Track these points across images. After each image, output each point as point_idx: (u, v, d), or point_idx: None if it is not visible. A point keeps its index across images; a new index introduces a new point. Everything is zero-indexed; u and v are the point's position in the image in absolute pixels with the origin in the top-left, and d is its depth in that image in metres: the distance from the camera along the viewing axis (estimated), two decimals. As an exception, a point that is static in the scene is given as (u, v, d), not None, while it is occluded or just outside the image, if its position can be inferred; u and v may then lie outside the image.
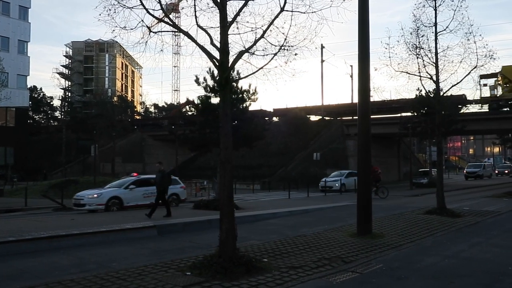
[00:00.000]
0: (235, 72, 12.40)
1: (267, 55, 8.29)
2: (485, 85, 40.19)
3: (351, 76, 55.86)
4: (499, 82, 40.22)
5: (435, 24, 15.40)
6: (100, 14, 7.89)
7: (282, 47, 8.25)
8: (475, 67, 15.26)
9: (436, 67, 15.49)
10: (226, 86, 7.96)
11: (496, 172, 63.03)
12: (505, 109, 39.87)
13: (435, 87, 15.99)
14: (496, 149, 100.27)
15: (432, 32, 15.45)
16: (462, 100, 31.88)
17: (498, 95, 40.42)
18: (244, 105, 19.12)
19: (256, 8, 8.21)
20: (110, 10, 7.84)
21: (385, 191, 24.44)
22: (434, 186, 19.72)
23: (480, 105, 37.99)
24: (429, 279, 7.11)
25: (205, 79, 17.69)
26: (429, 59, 15.48)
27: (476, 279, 7.10)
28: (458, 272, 7.54)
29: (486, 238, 11.02)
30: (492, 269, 7.72)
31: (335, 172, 34.20)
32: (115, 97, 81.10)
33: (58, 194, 21.42)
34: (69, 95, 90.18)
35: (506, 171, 61.33)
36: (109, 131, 49.65)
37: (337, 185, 30.86)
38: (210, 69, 15.65)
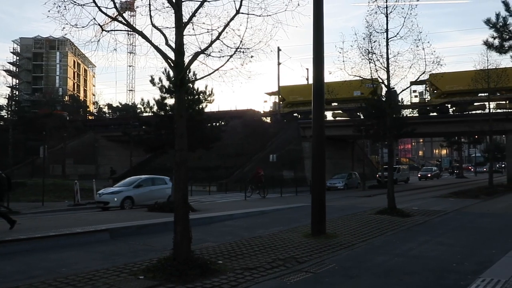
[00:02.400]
0: (191, 73, 12.32)
1: (223, 56, 8.29)
2: (414, 91, 44.80)
3: (307, 79, 56.86)
4: (427, 89, 44.53)
5: (387, 30, 15.95)
6: (49, 11, 7.59)
7: (238, 49, 8.28)
8: (423, 73, 15.93)
9: (387, 72, 16.02)
10: (182, 87, 7.89)
11: (419, 176, 58.06)
12: (433, 114, 43.74)
13: (386, 90, 16.55)
14: (444, 151, 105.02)
15: (384, 38, 16.00)
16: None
17: (426, 101, 44.49)
18: (200, 106, 19.02)
19: (212, 10, 8.22)
20: (60, 6, 7.56)
21: (266, 191, 27.78)
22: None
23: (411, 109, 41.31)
24: (380, 277, 7.35)
25: (160, 80, 17.50)
26: (381, 64, 16.01)
27: (423, 276, 7.40)
28: (407, 270, 7.83)
29: (433, 236, 11.50)
30: (438, 266, 8.07)
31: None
32: (66, 96, 78.38)
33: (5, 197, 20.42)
34: (17, 93, 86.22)
35: (429, 175, 57.64)
36: (59, 131, 47.92)
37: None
38: (165, 69, 15.46)
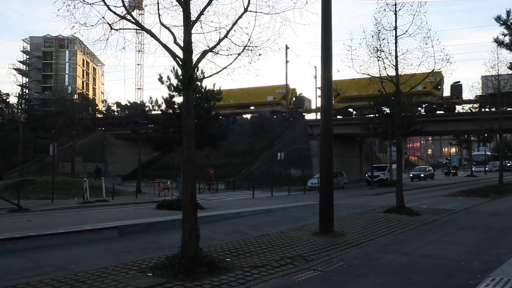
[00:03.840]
0: (199, 71, 12.31)
1: (231, 55, 8.30)
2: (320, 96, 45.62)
3: (315, 77, 56.60)
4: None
5: (395, 28, 15.84)
6: (58, 10, 7.64)
7: (246, 47, 8.28)
8: (432, 71, 15.81)
9: (396, 69, 15.92)
10: (190, 85, 7.91)
11: (411, 176, 52.19)
12: (339, 116, 45.14)
13: (395, 89, 16.44)
14: (453, 150, 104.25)
15: (392, 36, 15.89)
16: None
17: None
18: (208, 104, 19.04)
19: (220, 8, 8.22)
20: (69, 5, 7.60)
21: (215, 188, 30.31)
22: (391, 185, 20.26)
23: None
24: (388, 276, 7.32)
25: (168, 78, 17.54)
26: (390, 61, 15.89)
27: (431, 275, 7.36)
28: (415, 268, 7.79)
29: (442, 235, 11.44)
30: (447, 265, 8.02)
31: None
32: (75, 95, 78.89)
33: (14, 194, 20.62)
34: (27, 92, 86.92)
35: (422, 175, 51.65)
36: (69, 129, 48.25)
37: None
38: (174, 68, 15.51)
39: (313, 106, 51.06)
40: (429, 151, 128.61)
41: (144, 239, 10.83)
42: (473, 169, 66.22)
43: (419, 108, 42.00)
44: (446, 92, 43.54)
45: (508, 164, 77.49)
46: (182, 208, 7.78)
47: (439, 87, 43.10)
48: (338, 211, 13.32)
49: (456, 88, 42.13)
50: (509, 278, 6.76)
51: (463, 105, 42.59)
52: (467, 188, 28.89)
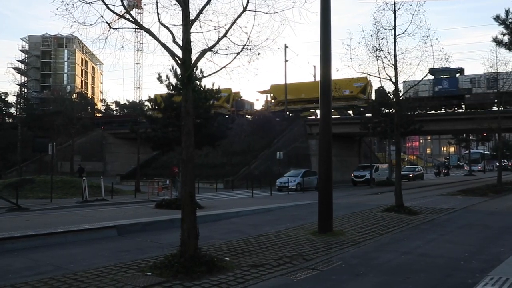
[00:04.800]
0: (198, 71, 12.33)
1: (230, 54, 8.30)
2: (257, 99, 53.41)
3: (314, 77, 56.65)
4: (271, 97, 52.47)
5: (394, 27, 15.84)
6: (57, 9, 7.63)
7: (245, 47, 8.28)
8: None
9: (395, 69, 15.92)
10: (189, 84, 7.90)
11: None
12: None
13: (394, 88, 16.46)
14: (452, 149, 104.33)
15: (392, 35, 15.89)
16: None
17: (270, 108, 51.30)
18: (207, 103, 19.04)
19: (219, 7, 8.24)
20: (68, 4, 7.59)
21: (178, 185, 28.49)
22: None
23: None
24: (386, 275, 7.33)
25: (167, 77, 17.53)
26: (389, 61, 15.90)
27: (430, 274, 7.37)
28: (414, 268, 7.80)
29: (441, 234, 11.46)
30: (445, 264, 8.03)
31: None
32: (74, 94, 78.81)
33: (13, 194, 20.59)
34: (25, 91, 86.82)
35: (411, 175, 48.56)
36: (68, 128, 48.17)
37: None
38: (172, 67, 15.48)
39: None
40: (428, 150, 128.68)
41: (143, 238, 10.83)
42: (465, 168, 65.30)
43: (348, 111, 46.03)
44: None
45: (505, 163, 76.63)
46: (181, 207, 7.78)
47: (365, 91, 45.78)
48: (336, 210, 13.33)
49: (380, 92, 43.71)
50: (508, 277, 6.77)
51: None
52: (465, 187, 28.93)
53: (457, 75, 42.40)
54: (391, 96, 18.16)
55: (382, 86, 19.04)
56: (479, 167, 65.81)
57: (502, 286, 6.38)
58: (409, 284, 6.80)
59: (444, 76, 42.54)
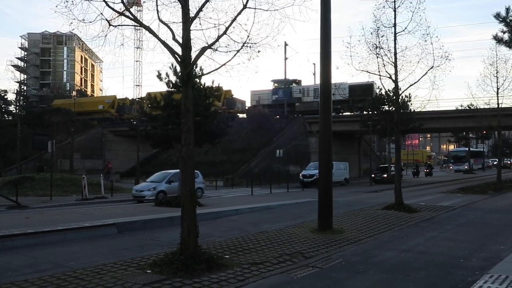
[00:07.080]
0: (198, 68, 12.24)
1: (230, 51, 8.27)
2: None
3: (314, 74, 56.68)
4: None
5: (394, 25, 15.81)
6: (56, 6, 7.61)
7: (245, 44, 8.25)
8: (431, 68, 15.78)
9: (395, 66, 15.89)
10: (188, 82, 7.89)
11: (372, 176, 38.72)
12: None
13: (394, 86, 16.43)
14: (451, 146, 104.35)
15: (392, 33, 15.86)
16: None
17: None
18: (207, 101, 19.02)
19: (219, 4, 8.22)
20: (67, 2, 7.57)
21: (111, 179, 30.20)
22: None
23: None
24: (386, 273, 7.33)
25: (167, 75, 17.48)
26: (389, 58, 15.87)
27: (430, 272, 7.37)
28: (414, 265, 7.80)
29: (440, 232, 11.46)
30: (445, 262, 8.03)
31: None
32: (74, 92, 78.67)
33: (13, 191, 20.60)
34: (25, 88, 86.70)
35: (385, 175, 39.54)
36: (67, 126, 48.11)
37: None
38: (172, 64, 15.41)
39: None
40: (428, 148, 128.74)
41: (143, 236, 10.83)
42: (451, 167, 61.55)
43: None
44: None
45: (491, 161, 73.78)
46: (181, 205, 7.77)
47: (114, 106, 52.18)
48: (336, 208, 13.33)
49: (229, 100, 50.50)
50: (508, 275, 6.78)
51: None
52: (465, 185, 28.94)
53: (293, 85, 50.21)
54: (391, 94, 18.14)
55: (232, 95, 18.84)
56: (465, 167, 59.05)
57: (502, 284, 6.39)
58: (409, 282, 6.80)
59: (281, 87, 50.01)
